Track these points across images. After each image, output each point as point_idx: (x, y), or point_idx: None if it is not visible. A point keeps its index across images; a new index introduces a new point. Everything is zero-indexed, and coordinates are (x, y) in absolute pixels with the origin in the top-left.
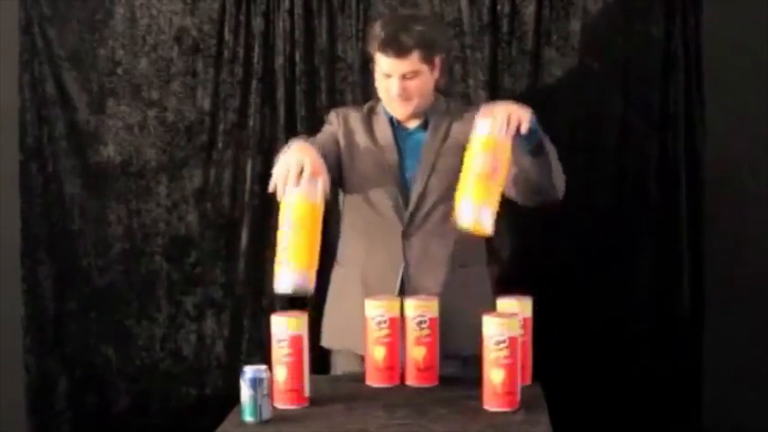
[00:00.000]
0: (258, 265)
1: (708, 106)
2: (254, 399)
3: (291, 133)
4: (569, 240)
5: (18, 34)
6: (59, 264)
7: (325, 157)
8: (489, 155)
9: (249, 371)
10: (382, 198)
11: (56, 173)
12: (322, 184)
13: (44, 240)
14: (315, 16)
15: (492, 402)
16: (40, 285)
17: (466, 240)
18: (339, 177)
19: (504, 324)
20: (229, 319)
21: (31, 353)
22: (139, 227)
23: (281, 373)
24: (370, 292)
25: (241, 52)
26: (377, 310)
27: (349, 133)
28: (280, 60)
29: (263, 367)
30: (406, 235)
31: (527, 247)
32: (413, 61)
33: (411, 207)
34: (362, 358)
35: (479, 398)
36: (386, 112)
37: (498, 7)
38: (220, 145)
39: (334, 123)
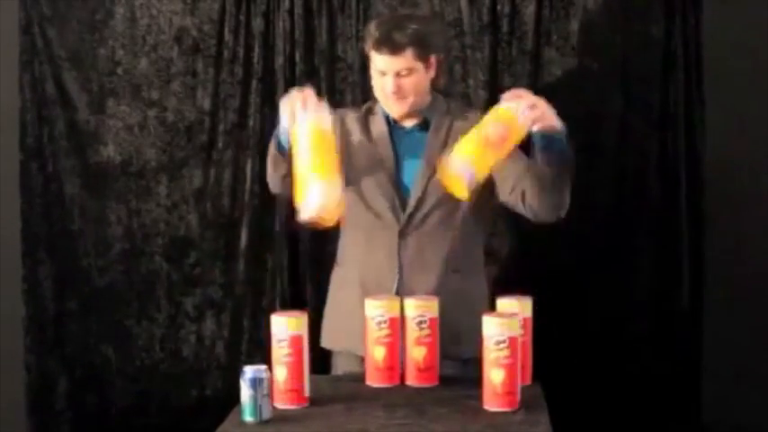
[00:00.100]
0: (258, 265)
1: (708, 106)
2: (254, 399)
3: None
4: (569, 240)
5: (18, 34)
6: (59, 264)
7: None
8: (501, 126)
9: (249, 371)
10: (378, 198)
11: (56, 173)
12: (329, 112)
13: (44, 240)
14: (315, 16)
15: (492, 402)
16: (41, 285)
17: (461, 246)
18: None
19: (504, 324)
20: (229, 320)
21: (32, 353)
22: (139, 227)
23: (281, 373)
24: (367, 292)
25: (241, 52)
26: (377, 310)
27: (345, 134)
28: (280, 60)
29: (263, 367)
30: (402, 235)
31: (527, 248)
32: (407, 58)
33: (410, 208)
34: (363, 359)
35: (479, 398)
36: (383, 112)
37: (498, 7)
38: (220, 145)
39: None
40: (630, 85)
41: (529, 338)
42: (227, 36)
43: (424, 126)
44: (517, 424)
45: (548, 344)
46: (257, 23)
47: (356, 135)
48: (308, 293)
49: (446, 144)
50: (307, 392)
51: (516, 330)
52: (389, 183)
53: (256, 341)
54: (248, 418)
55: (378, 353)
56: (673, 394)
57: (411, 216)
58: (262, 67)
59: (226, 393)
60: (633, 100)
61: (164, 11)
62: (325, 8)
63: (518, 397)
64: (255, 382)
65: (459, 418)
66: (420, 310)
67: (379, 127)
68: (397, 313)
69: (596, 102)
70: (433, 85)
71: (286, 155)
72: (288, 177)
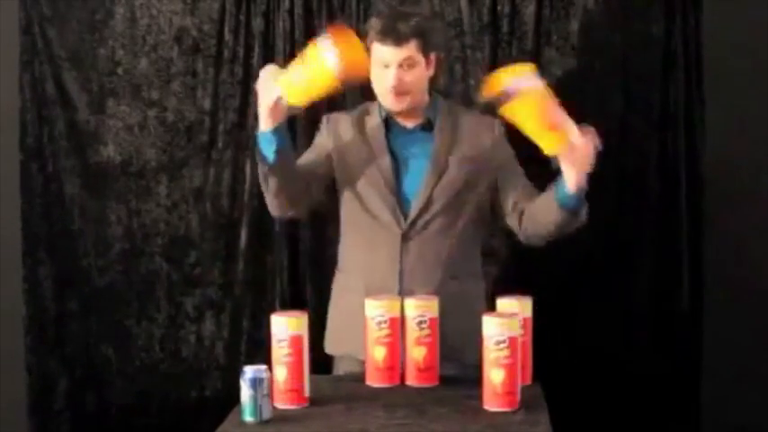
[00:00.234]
0: (258, 265)
1: (708, 106)
2: (254, 399)
3: (291, 133)
4: (569, 240)
5: (18, 34)
6: (59, 264)
7: (315, 173)
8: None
9: (249, 371)
10: (378, 202)
11: (56, 173)
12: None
13: (44, 240)
14: (315, 16)
15: (492, 402)
16: (41, 285)
17: (460, 252)
18: (334, 187)
19: (504, 324)
20: (229, 320)
21: (33, 353)
22: (139, 227)
23: (281, 373)
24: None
25: (241, 52)
26: (377, 310)
27: (339, 139)
28: (280, 60)
29: (263, 367)
30: (404, 239)
31: (527, 247)
32: (410, 49)
33: (413, 213)
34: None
35: (479, 398)
36: (380, 113)
37: (498, 7)
38: (220, 145)
39: (323, 132)
40: (630, 85)
41: (529, 338)
42: (227, 36)
43: (426, 126)
44: (517, 424)
45: (548, 344)
46: (257, 23)
47: (351, 140)
48: (308, 293)
49: (452, 146)
50: (307, 392)
51: (516, 330)
52: (387, 186)
53: (256, 341)
54: (248, 418)
55: (378, 353)
56: (672, 394)
57: (414, 221)
58: (262, 67)
59: (226, 393)
60: (633, 100)
61: (164, 11)
62: (325, 8)
63: (518, 397)
64: (255, 382)
65: (459, 418)
66: (420, 310)
67: (374, 128)
68: (397, 313)
69: (596, 102)
70: (433, 85)
71: (273, 163)
72: (282, 194)
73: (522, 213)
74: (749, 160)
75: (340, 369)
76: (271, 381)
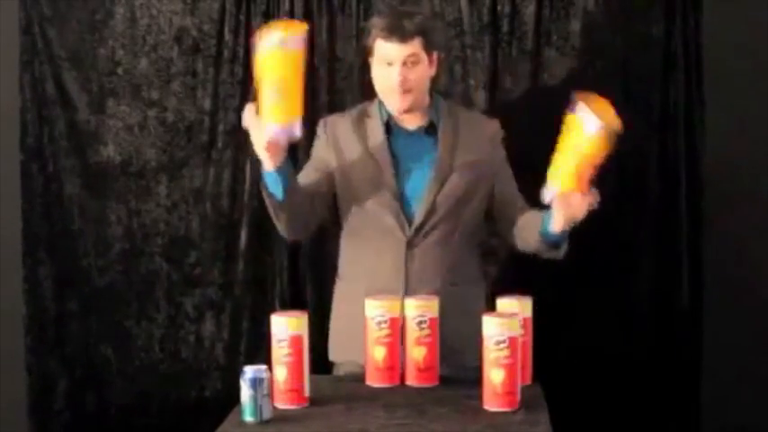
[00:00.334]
0: (258, 265)
1: (708, 106)
2: (255, 399)
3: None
4: (569, 240)
5: (18, 34)
6: (59, 264)
7: (320, 192)
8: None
9: (249, 371)
10: (381, 208)
11: (56, 173)
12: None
13: (44, 240)
14: (315, 16)
15: (492, 402)
16: (41, 285)
17: (461, 256)
18: (335, 194)
19: (504, 324)
20: (229, 320)
21: (33, 353)
22: (139, 227)
23: (281, 373)
24: None
25: (241, 52)
26: (377, 310)
27: (338, 144)
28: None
29: (264, 367)
30: (409, 246)
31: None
32: (414, 46)
33: (418, 219)
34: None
35: (479, 398)
36: (380, 116)
37: (498, 7)
38: (220, 145)
39: (321, 138)
40: (630, 86)
41: (529, 338)
42: (227, 36)
43: (429, 129)
44: (517, 424)
45: (548, 344)
46: (257, 23)
47: (351, 145)
48: (308, 293)
49: (454, 150)
50: (307, 392)
51: (516, 330)
52: (390, 191)
53: (256, 342)
54: (248, 418)
55: (378, 353)
56: (672, 394)
57: (419, 227)
58: None
59: (225, 394)
60: (633, 101)
61: (164, 11)
62: (325, 8)
63: (518, 397)
64: (255, 382)
65: (459, 418)
66: (420, 310)
67: (375, 132)
68: (397, 313)
69: None
70: (434, 85)
71: (282, 201)
72: (294, 223)
73: (512, 224)
74: (749, 161)
75: (341, 372)
76: (271, 381)
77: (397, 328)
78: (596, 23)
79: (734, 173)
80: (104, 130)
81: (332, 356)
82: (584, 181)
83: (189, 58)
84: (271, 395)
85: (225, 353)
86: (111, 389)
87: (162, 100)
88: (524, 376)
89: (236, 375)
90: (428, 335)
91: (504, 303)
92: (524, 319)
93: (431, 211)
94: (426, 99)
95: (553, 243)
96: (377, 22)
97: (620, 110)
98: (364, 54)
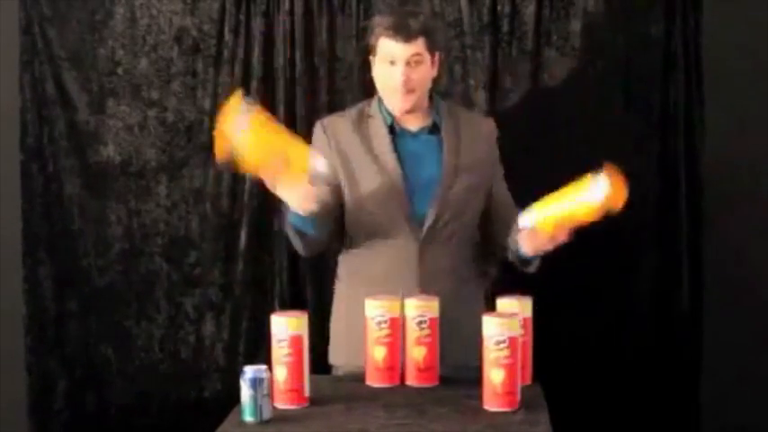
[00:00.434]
0: (258, 265)
1: (708, 106)
2: (255, 399)
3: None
4: (569, 240)
5: (18, 34)
6: (59, 264)
7: (330, 205)
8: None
9: (249, 371)
10: (391, 211)
11: (56, 173)
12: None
13: (44, 240)
14: (315, 16)
15: (492, 402)
16: (41, 285)
17: (465, 256)
18: (341, 197)
19: (504, 324)
20: (228, 320)
21: (33, 353)
22: (139, 227)
23: (281, 373)
24: None
25: (241, 52)
26: (377, 310)
27: (339, 145)
28: (280, 60)
29: (264, 367)
30: (421, 248)
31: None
32: (418, 45)
33: (429, 220)
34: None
35: (479, 398)
36: (382, 116)
37: (498, 7)
38: None
39: (321, 141)
40: (630, 86)
41: (529, 338)
42: (227, 36)
43: (432, 129)
44: (517, 424)
45: (548, 344)
46: (257, 23)
47: (355, 148)
48: (308, 293)
49: (457, 152)
50: (307, 392)
51: (516, 330)
52: (400, 194)
53: (256, 342)
54: (248, 418)
55: (378, 353)
56: (672, 394)
57: (431, 228)
58: (262, 67)
59: (225, 394)
60: (633, 100)
61: (164, 11)
62: (326, 8)
63: (518, 397)
64: (255, 382)
65: (459, 418)
66: (420, 310)
67: (380, 133)
68: (397, 313)
69: (596, 102)
70: (435, 86)
71: (312, 235)
72: (316, 247)
73: (508, 227)
74: (749, 161)
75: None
76: (271, 381)
77: (398, 328)
78: (596, 23)
79: (734, 173)
80: (104, 130)
81: (333, 360)
82: (560, 231)
83: (189, 58)
84: (271, 395)
85: (225, 353)
86: (110, 389)
87: (162, 100)
88: (524, 376)
89: (235, 376)
90: (428, 335)
91: (504, 303)
92: (524, 319)
93: (441, 212)
94: (427, 99)
95: (525, 261)
96: (381, 20)
97: (620, 110)
98: (365, 52)
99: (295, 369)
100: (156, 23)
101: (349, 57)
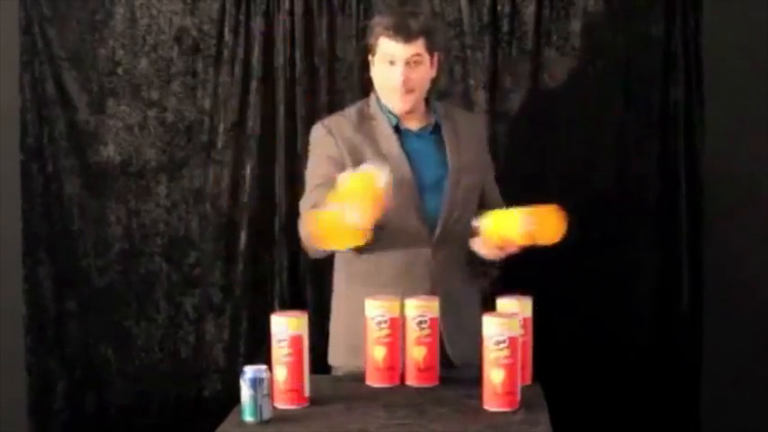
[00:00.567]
0: (258, 265)
1: (708, 106)
2: (255, 399)
3: (291, 133)
4: (569, 240)
5: (18, 34)
6: (59, 264)
7: None
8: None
9: (249, 371)
10: (404, 211)
11: (56, 173)
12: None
13: (44, 240)
14: (315, 16)
15: (492, 402)
16: (41, 285)
17: (466, 257)
18: None
19: (504, 324)
20: (228, 320)
21: (33, 353)
22: (139, 227)
23: (281, 373)
24: None
25: (241, 52)
26: (377, 310)
27: (348, 146)
28: (280, 60)
29: (264, 367)
30: (435, 249)
31: (526, 248)
32: (418, 46)
33: (442, 223)
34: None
35: (479, 398)
36: (385, 117)
37: (498, 7)
38: (220, 145)
39: (328, 142)
40: (630, 86)
41: (529, 338)
42: (227, 36)
43: (434, 129)
44: (517, 424)
45: (548, 344)
46: (257, 23)
47: (359, 145)
48: (308, 293)
49: (459, 149)
50: (307, 392)
51: (516, 330)
52: (412, 196)
53: (256, 342)
54: (248, 418)
55: (378, 353)
56: (672, 396)
57: (443, 227)
58: (262, 67)
59: (225, 394)
60: (633, 100)
61: (164, 11)
62: (326, 8)
63: (518, 397)
64: (255, 382)
65: (459, 418)
66: (420, 310)
67: (385, 133)
68: (397, 313)
69: (596, 102)
70: (433, 86)
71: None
72: None
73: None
74: (749, 161)
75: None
76: (271, 381)
77: (398, 328)
78: (596, 23)
79: (734, 173)
80: (104, 130)
81: (334, 361)
82: (505, 247)
83: (189, 58)
84: (271, 395)
85: (224, 353)
86: (110, 389)
87: (162, 100)
88: (524, 376)
89: (235, 376)
90: (428, 335)
91: (504, 303)
92: (524, 319)
93: (451, 211)
94: (422, 102)
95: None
96: (381, 20)
97: (620, 110)
98: (364, 52)
99: (295, 369)
100: (156, 23)
101: (349, 57)
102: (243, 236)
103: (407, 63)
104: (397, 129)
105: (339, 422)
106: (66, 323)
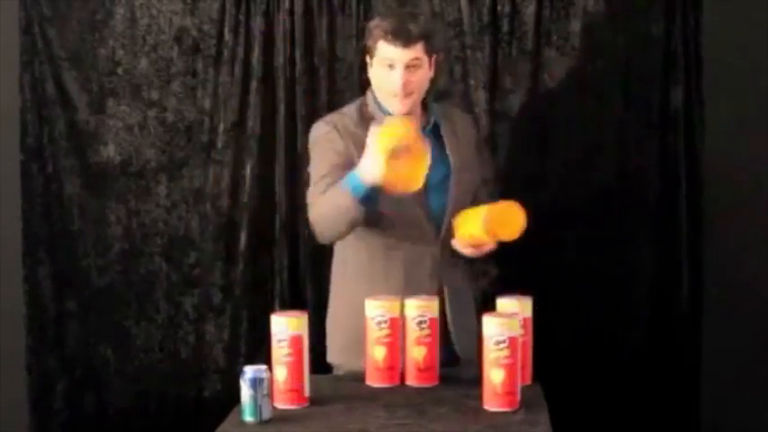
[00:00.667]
0: (258, 265)
1: (708, 106)
2: (255, 399)
3: (291, 133)
4: (569, 240)
5: (18, 34)
6: (59, 264)
7: None
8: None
9: (249, 371)
10: (410, 210)
11: (56, 173)
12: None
13: (44, 240)
14: (315, 16)
15: (492, 402)
16: (41, 285)
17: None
18: None
19: (504, 324)
20: (228, 321)
21: (33, 353)
22: (139, 227)
23: (281, 373)
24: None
25: (241, 52)
26: (377, 310)
27: (355, 140)
28: (280, 60)
29: (264, 367)
30: (442, 248)
31: (527, 248)
32: (417, 50)
33: (447, 221)
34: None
35: (479, 398)
36: (384, 117)
37: (498, 7)
38: (220, 145)
39: (335, 139)
40: (630, 86)
41: (529, 338)
42: (227, 36)
43: (433, 129)
44: (517, 424)
45: (548, 344)
46: (257, 23)
47: (363, 145)
48: (308, 293)
49: (458, 148)
50: (307, 392)
51: (516, 330)
52: (418, 193)
53: (256, 342)
54: (248, 418)
55: (378, 353)
56: (672, 395)
57: (448, 226)
58: (262, 67)
59: (225, 394)
60: (633, 100)
61: (164, 11)
62: (326, 8)
63: (518, 397)
64: (255, 382)
65: (459, 418)
66: (420, 310)
67: None
68: (397, 313)
69: (596, 102)
70: (432, 86)
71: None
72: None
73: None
74: (749, 161)
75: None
76: (271, 381)
77: (398, 328)
78: (596, 23)
79: (734, 173)
80: (104, 130)
81: (333, 359)
82: (478, 246)
83: (189, 58)
84: (271, 395)
85: (224, 353)
86: (110, 389)
87: (162, 100)
88: (524, 376)
89: (235, 376)
90: (428, 335)
91: (504, 303)
92: (524, 319)
93: (455, 210)
94: (418, 104)
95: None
96: (380, 23)
97: (620, 110)
98: (363, 53)
99: (295, 369)
100: (156, 23)
101: (349, 57)
102: (243, 236)
103: (407, 67)
104: None
105: (339, 422)
106: (66, 323)
